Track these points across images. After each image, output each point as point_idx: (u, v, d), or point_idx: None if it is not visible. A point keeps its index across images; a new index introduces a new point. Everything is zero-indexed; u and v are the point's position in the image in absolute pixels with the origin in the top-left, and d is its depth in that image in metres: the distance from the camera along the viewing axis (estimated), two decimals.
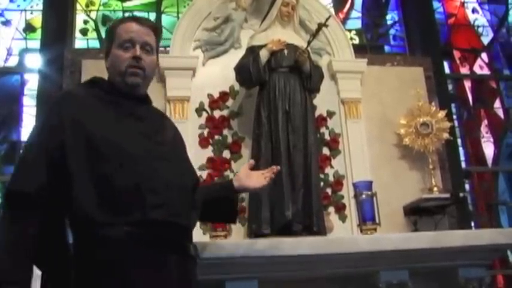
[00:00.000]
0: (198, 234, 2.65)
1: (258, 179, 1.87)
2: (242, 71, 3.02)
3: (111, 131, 1.51)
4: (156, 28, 1.71)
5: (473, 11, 4.65)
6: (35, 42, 3.79)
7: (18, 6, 3.95)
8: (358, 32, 4.25)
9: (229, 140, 3.27)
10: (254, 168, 1.97)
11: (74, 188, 1.42)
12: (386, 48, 4.31)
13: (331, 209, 3.25)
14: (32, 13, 3.93)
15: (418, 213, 3.35)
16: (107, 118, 1.54)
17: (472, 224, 3.83)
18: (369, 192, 2.73)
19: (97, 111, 1.55)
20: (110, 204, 1.42)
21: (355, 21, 4.32)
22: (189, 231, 1.61)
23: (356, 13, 4.35)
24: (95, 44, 3.86)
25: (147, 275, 1.41)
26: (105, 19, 3.95)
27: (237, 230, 3.01)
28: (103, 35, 3.89)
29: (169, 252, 1.48)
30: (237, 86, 3.28)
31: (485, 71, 4.48)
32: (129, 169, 1.47)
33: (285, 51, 3.00)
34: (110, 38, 1.67)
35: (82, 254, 1.43)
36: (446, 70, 4.26)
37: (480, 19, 4.63)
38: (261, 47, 3.01)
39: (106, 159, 1.46)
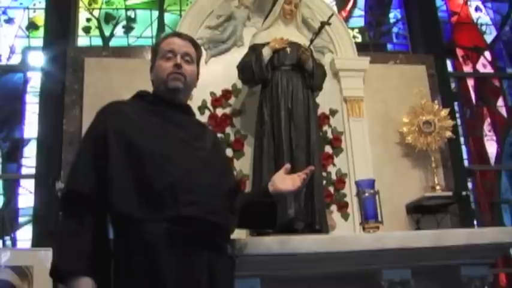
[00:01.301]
0: None
1: (294, 181, 1.88)
2: (245, 69, 3.02)
3: (150, 136, 1.64)
4: (195, 42, 1.87)
5: (477, 9, 4.63)
6: (38, 40, 3.79)
7: (21, 4, 3.95)
8: (361, 30, 4.25)
9: (232, 138, 3.28)
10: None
11: (115, 188, 1.55)
12: (389, 46, 4.30)
13: (334, 207, 3.25)
14: (34, 11, 3.93)
15: (421, 212, 3.35)
16: (148, 125, 1.67)
17: (475, 222, 3.82)
18: (372, 191, 2.72)
19: (138, 119, 1.68)
20: (148, 203, 1.53)
21: (358, 20, 4.31)
22: (224, 230, 1.68)
23: (359, 11, 4.34)
24: (98, 41, 3.86)
25: (178, 268, 1.50)
26: (107, 17, 3.95)
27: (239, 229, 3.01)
28: (106, 33, 3.89)
29: (201, 249, 1.56)
30: (239, 84, 3.28)
31: (489, 70, 4.47)
32: (166, 171, 1.58)
33: (288, 50, 3.00)
34: (154, 53, 1.82)
35: (122, 249, 1.54)
36: (449, 68, 4.26)
37: (483, 17, 4.62)
38: (263, 45, 3.01)
39: (145, 162, 1.58)
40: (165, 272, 1.48)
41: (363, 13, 4.34)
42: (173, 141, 1.66)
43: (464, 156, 4.00)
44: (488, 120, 4.30)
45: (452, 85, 4.22)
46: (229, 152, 3.24)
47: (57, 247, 1.55)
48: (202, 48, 3.31)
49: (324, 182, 3.17)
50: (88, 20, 3.90)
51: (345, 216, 3.25)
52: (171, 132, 1.68)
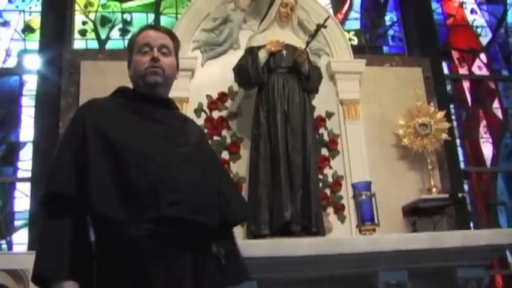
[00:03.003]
0: None
1: None
2: (241, 72, 3.02)
3: (130, 134, 1.58)
4: (172, 33, 1.79)
5: (472, 11, 4.65)
6: (34, 43, 3.79)
7: (17, 7, 3.95)
8: (357, 33, 4.25)
9: (228, 140, 3.28)
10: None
11: (94, 188, 1.49)
12: (385, 48, 4.31)
13: (330, 210, 3.25)
14: (30, 14, 3.92)
15: (417, 214, 3.35)
16: (127, 123, 1.62)
17: (471, 224, 3.84)
18: (368, 193, 2.73)
19: (118, 117, 1.63)
20: (128, 203, 1.48)
21: (354, 22, 4.32)
22: (209, 229, 1.62)
23: (355, 14, 4.35)
24: (94, 44, 3.86)
25: (162, 270, 1.47)
26: (103, 20, 3.95)
27: (236, 231, 2.99)
28: (102, 35, 3.89)
29: (186, 249, 1.52)
30: (235, 87, 3.29)
31: (484, 72, 4.48)
32: (146, 169, 1.53)
33: (284, 52, 3.00)
34: (130, 48, 1.75)
35: (103, 251, 1.50)
36: (445, 71, 4.27)
37: (478, 20, 4.64)
38: (259, 48, 3.01)
39: (124, 161, 1.53)
40: (148, 275, 1.45)
41: (358, 16, 4.35)
42: (153, 138, 1.61)
43: (460, 158, 4.01)
44: (484, 122, 4.31)
45: (448, 87, 4.24)
46: (225, 154, 3.24)
47: (38, 251, 1.50)
48: (198, 51, 3.40)
49: (321, 184, 3.17)
50: (84, 23, 3.90)
51: (342, 219, 3.25)
52: (151, 130, 1.63)
